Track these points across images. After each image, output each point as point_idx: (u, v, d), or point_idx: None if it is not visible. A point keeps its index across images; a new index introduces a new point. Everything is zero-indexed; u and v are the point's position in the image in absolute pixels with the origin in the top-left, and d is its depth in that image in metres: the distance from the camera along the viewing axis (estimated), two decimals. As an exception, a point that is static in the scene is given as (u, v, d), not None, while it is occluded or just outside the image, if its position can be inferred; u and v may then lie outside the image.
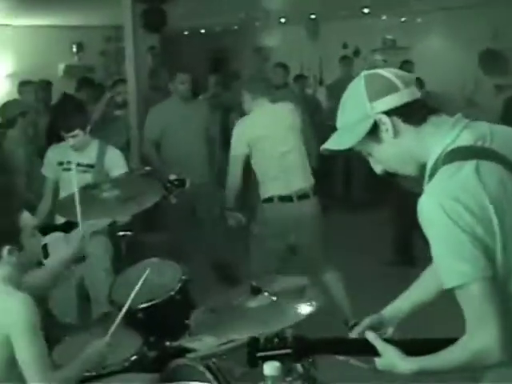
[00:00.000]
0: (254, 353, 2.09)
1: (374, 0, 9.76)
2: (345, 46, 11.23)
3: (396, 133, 2.03)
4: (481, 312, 1.86)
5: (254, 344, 2.09)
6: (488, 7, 9.60)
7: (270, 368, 2.17)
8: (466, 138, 1.98)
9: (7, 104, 6.45)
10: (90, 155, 4.89)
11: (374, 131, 2.05)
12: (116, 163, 4.90)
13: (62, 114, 5.15)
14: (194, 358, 3.03)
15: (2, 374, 2.72)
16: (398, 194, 6.48)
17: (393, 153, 2.08)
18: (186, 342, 3.42)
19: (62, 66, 10.98)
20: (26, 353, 2.67)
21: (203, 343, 3.28)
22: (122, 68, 10.94)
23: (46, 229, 4.73)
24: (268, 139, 4.96)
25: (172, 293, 3.63)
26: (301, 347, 2.07)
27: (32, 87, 7.78)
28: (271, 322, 2.78)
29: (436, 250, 1.90)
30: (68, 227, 4.69)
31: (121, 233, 4.26)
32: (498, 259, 1.85)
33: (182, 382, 2.85)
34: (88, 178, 4.77)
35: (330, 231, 5.29)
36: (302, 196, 4.96)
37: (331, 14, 10.96)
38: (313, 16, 11.12)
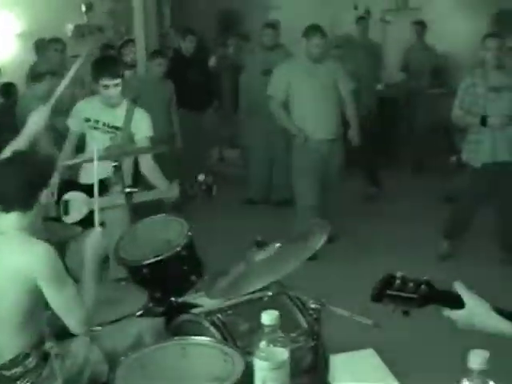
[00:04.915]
0: (385, 289, 2.03)
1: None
2: (355, 8, 11.07)
3: None
4: None
5: (388, 281, 2.04)
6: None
7: (268, 317, 2.18)
8: None
9: (37, 62, 6.40)
10: (118, 115, 4.76)
11: None
12: (142, 126, 4.78)
13: (104, 63, 4.96)
14: (199, 313, 3.06)
15: (22, 323, 2.74)
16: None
17: None
18: (190, 298, 3.45)
19: (70, 26, 10.89)
20: (58, 300, 2.72)
21: (208, 299, 3.31)
22: (131, 28, 10.90)
23: (69, 185, 4.71)
24: None
25: (178, 249, 3.62)
26: (426, 295, 2.03)
27: (61, 45, 7.57)
28: (279, 268, 2.81)
29: None
30: (91, 190, 4.67)
31: (127, 190, 4.21)
32: None
33: (187, 336, 2.86)
34: (113, 139, 4.71)
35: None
36: None
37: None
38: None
